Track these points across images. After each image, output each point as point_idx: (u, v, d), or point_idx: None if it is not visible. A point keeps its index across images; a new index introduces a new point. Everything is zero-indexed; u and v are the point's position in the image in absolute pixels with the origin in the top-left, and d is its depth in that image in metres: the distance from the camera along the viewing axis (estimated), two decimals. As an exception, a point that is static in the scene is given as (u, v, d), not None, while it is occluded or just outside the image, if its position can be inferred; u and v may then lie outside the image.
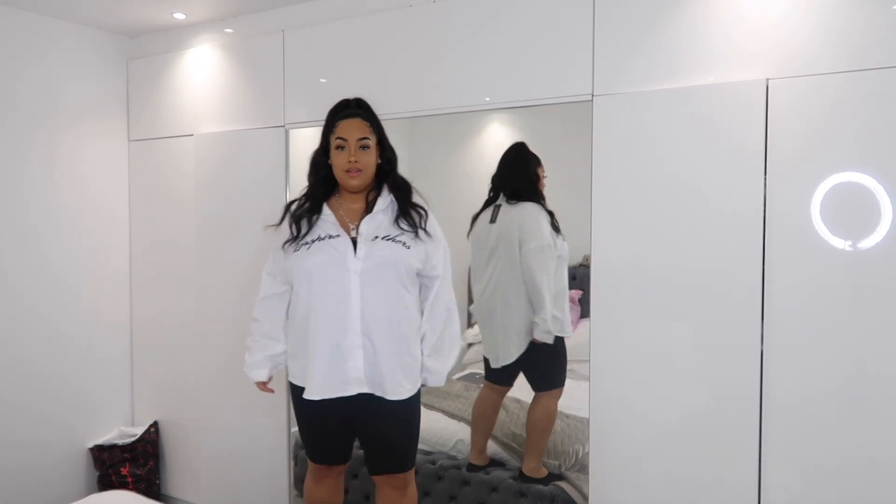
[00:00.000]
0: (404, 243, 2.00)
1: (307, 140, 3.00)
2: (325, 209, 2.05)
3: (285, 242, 2.05)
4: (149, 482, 3.23)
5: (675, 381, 2.08)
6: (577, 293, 2.79)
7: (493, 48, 2.36)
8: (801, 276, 1.91)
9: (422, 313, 2.07)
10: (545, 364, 2.69)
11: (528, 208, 2.65)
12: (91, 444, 3.22)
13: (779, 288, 1.93)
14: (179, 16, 2.99)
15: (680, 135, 2.06)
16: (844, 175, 1.85)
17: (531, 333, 2.63)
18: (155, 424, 3.31)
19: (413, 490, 2.15)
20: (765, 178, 1.94)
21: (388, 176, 2.08)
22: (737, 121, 1.97)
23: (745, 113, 1.96)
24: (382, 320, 1.97)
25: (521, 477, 2.61)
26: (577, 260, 2.69)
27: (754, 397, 1.97)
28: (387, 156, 2.09)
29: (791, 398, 1.93)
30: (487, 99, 2.39)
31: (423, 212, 2.06)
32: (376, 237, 1.99)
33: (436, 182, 3.14)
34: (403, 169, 2.16)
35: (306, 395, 2.00)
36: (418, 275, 2.06)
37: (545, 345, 2.62)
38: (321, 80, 2.73)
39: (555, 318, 2.61)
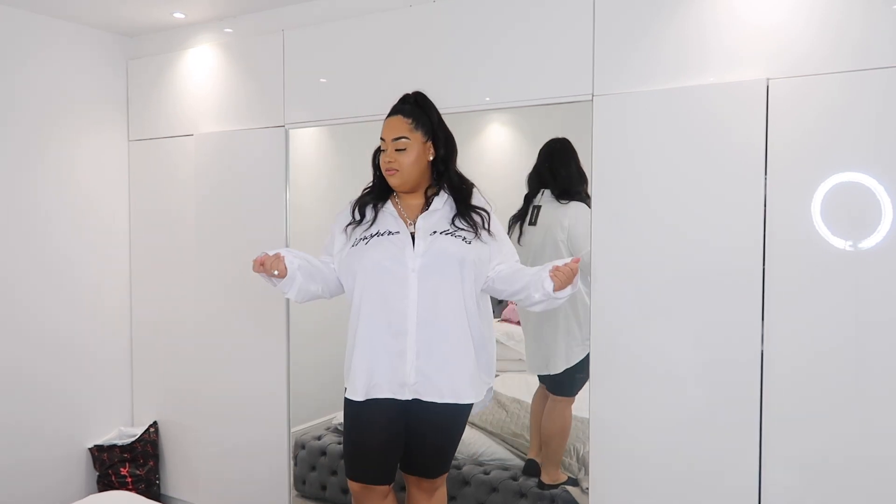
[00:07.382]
0: (464, 238, 1.94)
1: (307, 140, 3.00)
2: (389, 202, 2.03)
3: (348, 225, 2.03)
4: (148, 482, 3.23)
5: (675, 381, 2.08)
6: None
7: (493, 48, 2.36)
8: (802, 277, 1.91)
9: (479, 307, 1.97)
10: (571, 369, 2.58)
11: (578, 210, 2.48)
12: (90, 445, 3.22)
13: (779, 288, 1.93)
14: (179, 16, 2.99)
15: (680, 135, 2.06)
16: (845, 175, 1.85)
17: (583, 344, 2.48)
18: (154, 424, 3.31)
19: (442, 494, 2.11)
20: (765, 178, 1.94)
21: (442, 173, 2.02)
22: (737, 121, 1.97)
23: (745, 113, 1.96)
24: (439, 319, 1.89)
25: (541, 486, 2.55)
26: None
27: (754, 397, 1.97)
28: (440, 153, 2.01)
29: (791, 398, 1.93)
30: (487, 99, 2.39)
31: (484, 214, 2.00)
32: (435, 232, 1.94)
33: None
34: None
35: (349, 395, 1.94)
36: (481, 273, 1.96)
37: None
38: (321, 80, 2.73)
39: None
